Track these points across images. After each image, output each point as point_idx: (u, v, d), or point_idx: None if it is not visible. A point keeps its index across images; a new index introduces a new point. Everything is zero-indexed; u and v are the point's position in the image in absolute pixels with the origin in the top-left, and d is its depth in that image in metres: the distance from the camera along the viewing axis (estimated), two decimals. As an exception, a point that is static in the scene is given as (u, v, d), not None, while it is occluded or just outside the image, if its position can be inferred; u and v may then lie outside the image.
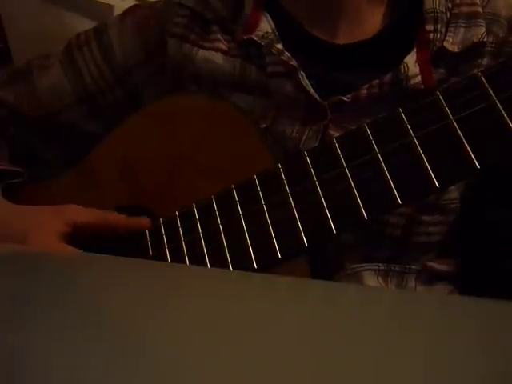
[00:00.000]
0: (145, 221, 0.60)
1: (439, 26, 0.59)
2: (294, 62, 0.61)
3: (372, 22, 0.63)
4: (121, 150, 0.66)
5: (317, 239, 0.51)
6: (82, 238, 0.58)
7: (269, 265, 0.52)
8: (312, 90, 0.60)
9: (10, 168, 0.72)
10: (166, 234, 0.59)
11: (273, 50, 0.62)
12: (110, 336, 0.26)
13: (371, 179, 0.49)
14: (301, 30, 0.64)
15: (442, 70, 0.60)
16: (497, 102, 0.45)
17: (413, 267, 0.62)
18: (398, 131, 0.49)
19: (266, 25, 0.63)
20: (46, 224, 0.57)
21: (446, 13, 0.60)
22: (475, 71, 0.47)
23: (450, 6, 0.61)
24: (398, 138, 0.48)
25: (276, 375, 0.21)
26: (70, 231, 0.58)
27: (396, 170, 0.48)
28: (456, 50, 0.59)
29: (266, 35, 0.63)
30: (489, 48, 0.60)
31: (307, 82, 0.60)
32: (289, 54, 0.61)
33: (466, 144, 0.45)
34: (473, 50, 0.60)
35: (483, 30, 0.60)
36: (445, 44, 0.59)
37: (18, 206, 0.62)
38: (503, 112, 0.44)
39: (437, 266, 0.64)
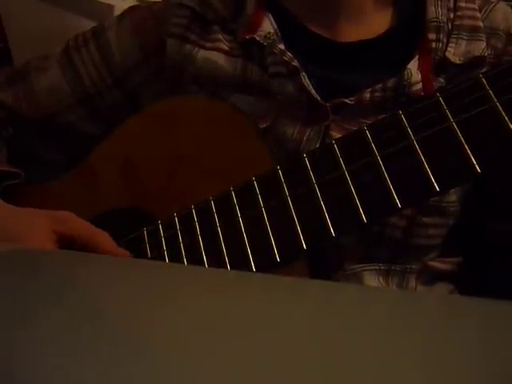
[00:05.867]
0: (127, 256, 0.59)
1: (441, 35, 0.60)
2: (295, 63, 0.61)
3: (375, 23, 0.63)
4: (121, 151, 0.66)
5: (315, 242, 0.51)
6: (71, 246, 0.58)
7: (267, 268, 0.52)
8: (313, 91, 0.60)
9: (8, 169, 0.72)
10: (164, 237, 0.59)
11: (275, 50, 0.62)
12: (110, 336, 0.26)
13: (371, 182, 0.49)
14: (303, 30, 0.64)
15: (443, 80, 0.60)
16: (497, 104, 0.45)
17: (413, 267, 0.62)
18: (398, 134, 0.49)
19: (268, 25, 0.64)
20: (38, 229, 0.57)
21: (447, 23, 0.61)
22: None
23: (451, 17, 0.61)
24: (398, 141, 0.48)
25: (275, 375, 0.21)
26: (60, 239, 0.57)
27: (396, 172, 0.48)
28: (458, 62, 0.60)
29: (268, 35, 0.63)
30: (488, 60, 0.61)
31: (309, 82, 0.61)
32: (291, 55, 0.61)
33: (466, 147, 0.45)
34: (473, 63, 0.60)
35: (484, 44, 0.61)
36: (447, 54, 0.60)
37: (12, 206, 0.62)
38: (504, 114, 0.44)
39: (438, 265, 0.64)
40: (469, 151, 0.45)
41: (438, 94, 0.48)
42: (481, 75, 0.47)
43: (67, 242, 0.57)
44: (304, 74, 0.61)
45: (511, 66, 0.46)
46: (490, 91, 0.46)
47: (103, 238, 0.57)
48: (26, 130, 0.77)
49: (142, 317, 0.29)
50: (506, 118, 0.44)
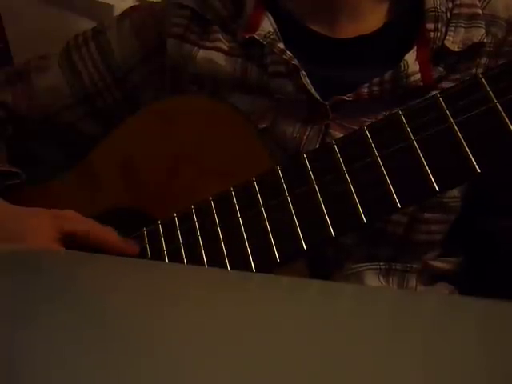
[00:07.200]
0: (136, 248, 0.59)
1: (439, 25, 0.60)
2: (295, 62, 0.61)
3: (373, 18, 0.64)
4: (121, 150, 0.66)
5: (315, 242, 0.51)
6: (77, 244, 0.58)
7: (267, 268, 0.52)
8: (313, 90, 0.60)
9: (8, 169, 0.72)
10: (164, 237, 0.59)
11: (274, 50, 0.62)
12: (112, 335, 0.26)
13: (371, 182, 0.49)
14: (302, 28, 0.64)
15: (442, 69, 0.60)
16: (498, 104, 0.45)
17: (414, 266, 0.62)
18: (397, 134, 0.49)
19: (267, 24, 0.64)
20: (43, 228, 0.57)
21: (446, 12, 0.61)
22: (474, 70, 0.47)
23: (450, 6, 0.61)
24: (397, 141, 0.48)
25: (275, 375, 0.21)
26: (66, 238, 0.57)
27: (396, 173, 0.48)
28: (456, 49, 0.60)
29: (267, 34, 0.63)
30: (487, 48, 0.61)
31: (308, 81, 0.61)
32: (290, 54, 0.61)
33: (466, 147, 0.45)
34: (472, 50, 0.61)
35: (483, 31, 0.60)
36: (445, 43, 0.60)
37: (15, 207, 0.62)
38: (504, 115, 0.44)
39: (438, 264, 0.64)
40: (469, 152, 0.45)
41: (438, 94, 0.48)
42: (481, 75, 0.47)
43: (72, 240, 0.57)
44: (303, 72, 0.61)
45: (511, 66, 0.46)
46: (491, 92, 0.46)
47: (109, 233, 0.58)
48: (26, 129, 0.77)
49: (142, 317, 0.29)
50: (507, 119, 0.44)
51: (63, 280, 0.39)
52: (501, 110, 0.45)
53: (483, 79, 0.46)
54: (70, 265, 0.46)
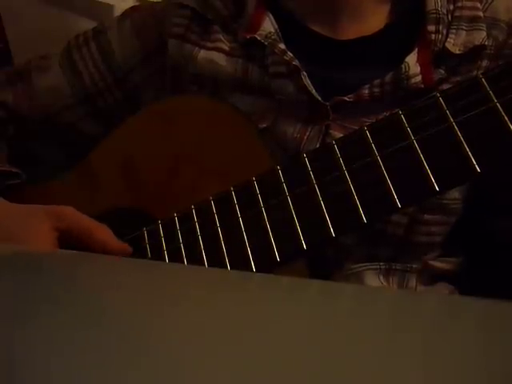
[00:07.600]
0: (129, 250, 0.58)
1: (441, 27, 0.60)
2: (296, 62, 0.61)
3: (374, 19, 0.64)
4: (121, 150, 0.66)
5: (316, 242, 0.51)
6: (74, 241, 0.57)
7: (267, 268, 0.52)
8: (314, 91, 0.61)
9: (8, 169, 0.72)
10: (164, 237, 0.59)
11: (276, 50, 0.62)
12: (111, 336, 0.26)
13: (371, 182, 0.49)
14: (303, 29, 0.65)
15: (443, 71, 0.61)
16: (498, 104, 0.45)
17: (414, 266, 0.62)
18: (397, 134, 0.49)
19: (268, 25, 0.64)
20: (40, 228, 0.56)
21: (447, 15, 0.61)
22: (475, 72, 0.47)
23: (451, 8, 0.61)
24: (397, 141, 0.49)
25: (275, 375, 0.21)
26: (63, 235, 0.57)
27: (396, 173, 0.48)
28: (457, 52, 0.60)
29: (269, 35, 0.63)
30: (488, 51, 0.61)
31: (309, 82, 0.61)
32: (291, 54, 0.61)
33: (466, 147, 0.45)
34: (473, 53, 0.61)
35: (484, 34, 0.60)
36: (446, 45, 0.60)
37: (14, 205, 0.62)
38: (504, 115, 0.45)
39: (438, 264, 0.65)
40: (469, 151, 0.45)
41: (438, 95, 0.48)
42: (481, 75, 0.47)
43: (68, 237, 0.57)
44: (304, 73, 0.61)
45: (511, 66, 0.46)
46: (491, 91, 0.46)
47: (104, 231, 0.57)
48: (27, 129, 0.77)
49: (143, 317, 0.29)
50: (507, 119, 0.44)
51: (63, 280, 0.39)
52: (501, 109, 0.45)
53: (483, 79, 0.46)
54: (70, 265, 0.46)
